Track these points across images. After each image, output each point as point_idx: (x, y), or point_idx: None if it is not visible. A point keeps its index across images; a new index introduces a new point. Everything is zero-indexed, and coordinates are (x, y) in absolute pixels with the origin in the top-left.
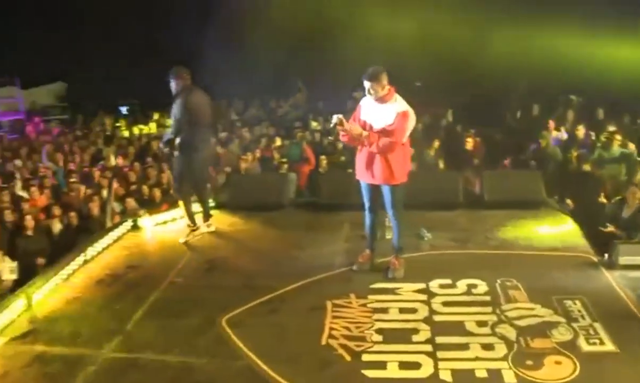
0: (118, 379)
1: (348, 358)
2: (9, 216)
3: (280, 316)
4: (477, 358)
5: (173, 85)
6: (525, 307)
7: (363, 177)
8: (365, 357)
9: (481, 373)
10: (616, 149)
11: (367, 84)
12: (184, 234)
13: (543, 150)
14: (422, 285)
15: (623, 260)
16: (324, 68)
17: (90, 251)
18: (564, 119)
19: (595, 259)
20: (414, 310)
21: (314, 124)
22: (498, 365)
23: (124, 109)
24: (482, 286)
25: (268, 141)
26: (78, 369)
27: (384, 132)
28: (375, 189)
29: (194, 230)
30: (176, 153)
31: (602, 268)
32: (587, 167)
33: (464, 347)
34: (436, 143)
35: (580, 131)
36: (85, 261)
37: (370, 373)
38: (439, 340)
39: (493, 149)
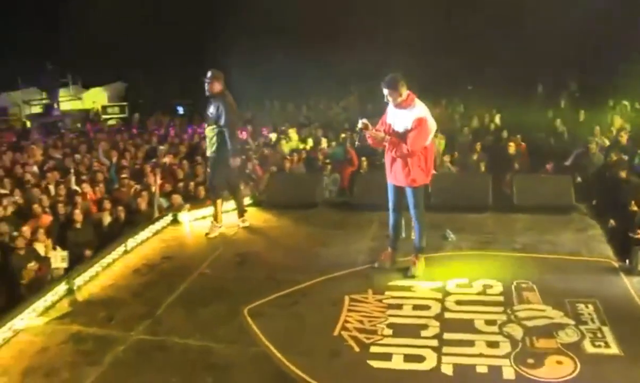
0: (143, 358)
1: (357, 349)
2: (61, 209)
3: (300, 308)
4: (480, 355)
5: (215, 86)
6: (537, 308)
7: (389, 178)
8: (373, 349)
9: (482, 369)
10: None
11: (385, 91)
12: (209, 229)
13: (586, 155)
14: (439, 284)
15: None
16: (375, 71)
17: (131, 242)
18: (611, 125)
19: (616, 265)
20: (427, 307)
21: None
22: (500, 362)
23: (180, 109)
24: (497, 287)
25: (314, 142)
26: (108, 348)
27: (404, 136)
28: (398, 191)
29: (217, 227)
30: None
31: (621, 274)
32: (623, 174)
33: (470, 343)
34: (478, 146)
35: (624, 137)
36: (125, 252)
37: (375, 364)
38: (447, 336)
39: (538, 153)
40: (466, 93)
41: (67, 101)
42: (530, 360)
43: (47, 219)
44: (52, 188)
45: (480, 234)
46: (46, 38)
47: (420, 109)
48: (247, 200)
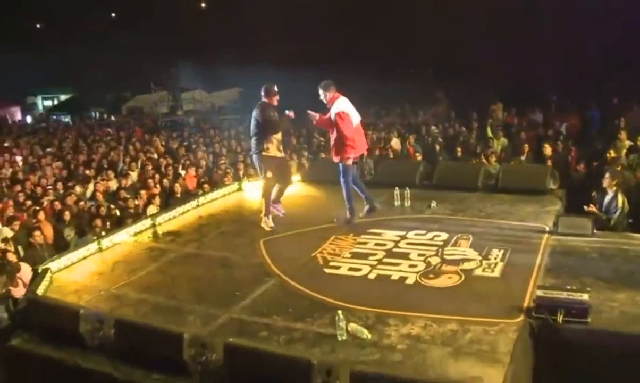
0: (185, 259)
1: (321, 263)
2: (166, 183)
3: (297, 240)
4: (399, 271)
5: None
6: (460, 250)
7: None
8: (332, 263)
9: (394, 277)
10: None
11: (320, 92)
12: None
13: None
14: (403, 232)
15: (562, 228)
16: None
17: (202, 200)
18: None
19: (547, 229)
20: (384, 244)
21: (434, 129)
22: (409, 275)
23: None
24: (443, 236)
25: (385, 142)
26: (166, 255)
27: (330, 125)
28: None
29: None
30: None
31: (544, 235)
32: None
33: (397, 265)
34: (526, 148)
35: None
36: (197, 205)
37: (328, 271)
38: (385, 260)
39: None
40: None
41: (190, 103)
42: (431, 275)
43: (156, 190)
44: (163, 169)
45: (457, 205)
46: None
47: (339, 106)
48: None
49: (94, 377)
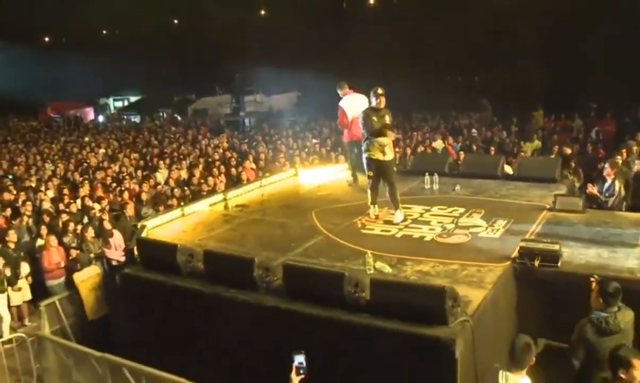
0: (251, 222)
1: (359, 226)
2: (233, 172)
3: (343, 210)
4: (420, 232)
5: (340, 92)
6: (472, 220)
7: None
8: (368, 226)
9: (415, 236)
10: None
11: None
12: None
13: None
14: (428, 207)
15: (558, 206)
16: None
17: (264, 181)
18: None
19: (548, 207)
20: (411, 215)
21: (474, 132)
22: (426, 234)
23: None
24: (460, 210)
25: (430, 142)
26: (237, 219)
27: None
28: None
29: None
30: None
31: (544, 211)
32: None
33: (419, 229)
34: (555, 149)
35: None
36: (261, 186)
37: (364, 231)
38: (410, 225)
39: None
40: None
41: (251, 105)
42: (444, 235)
43: (220, 179)
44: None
45: (477, 188)
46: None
47: (341, 102)
48: None
49: (188, 293)
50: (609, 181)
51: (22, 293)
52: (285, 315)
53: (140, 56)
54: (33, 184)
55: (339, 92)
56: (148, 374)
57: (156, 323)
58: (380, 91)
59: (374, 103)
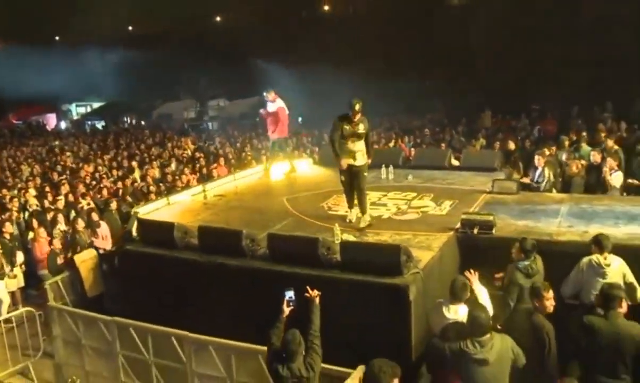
0: (230, 210)
1: (326, 208)
2: (204, 171)
3: (312, 197)
4: (379, 211)
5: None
6: (423, 202)
7: None
8: (333, 209)
9: (375, 214)
10: None
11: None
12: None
13: None
14: (385, 193)
15: (496, 189)
16: None
17: (237, 175)
18: None
19: (487, 190)
20: (370, 199)
21: (426, 131)
22: (384, 213)
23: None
24: (413, 194)
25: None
26: (215, 207)
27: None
28: None
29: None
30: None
31: (484, 193)
32: None
33: (378, 209)
34: (497, 146)
35: None
36: (234, 179)
37: (330, 212)
38: (370, 207)
39: None
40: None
41: (215, 110)
42: (399, 214)
43: (193, 176)
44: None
45: (428, 178)
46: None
47: (281, 104)
48: None
49: (186, 263)
50: (540, 169)
51: (17, 280)
52: (269, 274)
53: (103, 62)
54: (17, 184)
55: (268, 96)
56: (153, 331)
57: (155, 292)
58: (357, 106)
59: (350, 113)
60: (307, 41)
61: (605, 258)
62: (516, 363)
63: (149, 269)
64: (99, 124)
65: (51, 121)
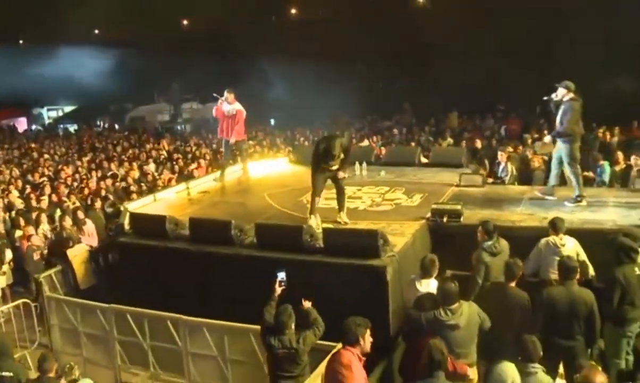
0: (215, 206)
1: (304, 202)
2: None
3: (292, 193)
4: (354, 204)
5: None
6: (395, 195)
7: None
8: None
9: (351, 207)
10: None
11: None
12: None
13: None
14: (359, 187)
15: (463, 182)
16: None
17: (217, 175)
18: None
19: (455, 184)
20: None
21: (395, 131)
22: (359, 205)
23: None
24: (385, 188)
25: (357, 141)
26: (200, 203)
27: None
28: None
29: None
30: None
31: (453, 187)
32: None
33: (353, 202)
34: (463, 144)
35: None
36: (214, 179)
37: (308, 205)
38: (346, 200)
39: None
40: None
41: (189, 113)
42: (374, 206)
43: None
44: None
45: (399, 173)
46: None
47: (240, 107)
48: None
49: (177, 252)
50: (502, 164)
51: (7, 277)
52: (257, 260)
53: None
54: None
55: (229, 98)
56: (149, 315)
57: (148, 281)
58: (336, 150)
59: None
60: (277, 44)
61: (560, 239)
62: (483, 325)
63: (142, 259)
64: (72, 128)
65: (21, 125)
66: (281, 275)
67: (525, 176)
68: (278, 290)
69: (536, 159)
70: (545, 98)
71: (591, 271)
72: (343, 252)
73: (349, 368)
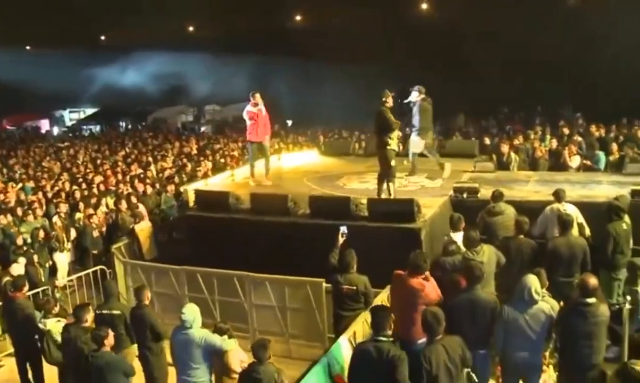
0: (262, 188)
1: (341, 184)
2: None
3: (329, 177)
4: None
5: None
6: (420, 178)
7: None
8: (347, 185)
9: (362, 187)
10: None
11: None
12: None
13: None
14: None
15: (477, 168)
16: None
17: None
18: None
19: (471, 169)
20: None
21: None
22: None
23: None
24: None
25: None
26: (247, 187)
27: None
28: None
29: None
30: None
31: (468, 172)
32: None
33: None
34: None
35: None
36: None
37: (345, 187)
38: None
39: None
40: None
41: (210, 114)
42: (402, 186)
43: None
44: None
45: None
46: None
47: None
48: None
49: (239, 222)
50: (506, 154)
51: (70, 254)
52: (309, 227)
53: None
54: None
55: (257, 98)
56: (217, 274)
57: (214, 247)
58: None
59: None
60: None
61: (563, 205)
62: (499, 261)
63: (206, 229)
64: (95, 129)
65: (43, 127)
66: (343, 229)
67: (530, 163)
68: (340, 239)
69: (539, 149)
70: (405, 101)
71: (587, 231)
72: (384, 218)
73: (421, 284)
